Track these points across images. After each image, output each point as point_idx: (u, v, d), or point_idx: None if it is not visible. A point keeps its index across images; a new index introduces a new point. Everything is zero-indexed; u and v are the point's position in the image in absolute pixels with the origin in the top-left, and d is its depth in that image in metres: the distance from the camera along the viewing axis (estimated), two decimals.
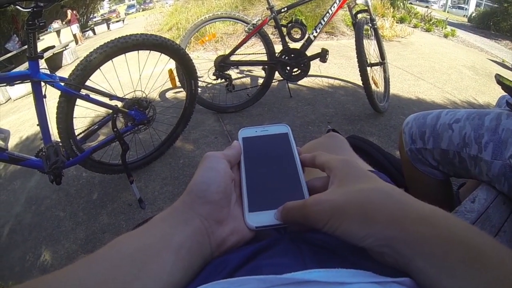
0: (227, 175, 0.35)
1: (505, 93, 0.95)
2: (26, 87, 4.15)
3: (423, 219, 0.26)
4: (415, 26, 6.68)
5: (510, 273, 0.22)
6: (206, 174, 0.34)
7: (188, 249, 0.30)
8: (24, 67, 4.23)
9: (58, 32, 8.84)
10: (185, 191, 0.34)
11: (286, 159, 0.41)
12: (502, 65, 5.13)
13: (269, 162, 0.40)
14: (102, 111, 1.75)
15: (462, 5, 22.76)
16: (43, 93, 1.42)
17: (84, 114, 2.02)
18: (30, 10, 1.25)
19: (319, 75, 3.35)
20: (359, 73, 2.24)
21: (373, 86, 2.36)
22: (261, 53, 2.43)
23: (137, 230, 0.32)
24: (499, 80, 0.84)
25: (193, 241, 0.31)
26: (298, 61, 2.34)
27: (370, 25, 2.40)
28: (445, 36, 6.46)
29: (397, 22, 6.12)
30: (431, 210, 0.27)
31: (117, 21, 14.80)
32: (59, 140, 1.53)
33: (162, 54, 1.72)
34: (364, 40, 2.25)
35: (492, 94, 3.25)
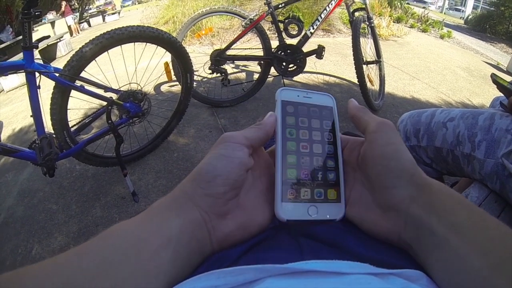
0: (242, 166, 0.31)
1: (499, 95, 0.96)
2: (19, 78, 4.11)
3: (436, 185, 0.29)
4: (411, 26, 6.70)
5: (504, 234, 0.25)
6: (215, 162, 0.30)
7: (186, 244, 0.28)
8: (17, 58, 4.18)
9: (52, 24, 8.73)
10: (189, 176, 0.31)
11: (329, 141, 0.36)
12: (497, 67, 5.17)
13: (310, 142, 0.35)
14: (97, 103, 1.73)
15: (459, 7, 22.84)
16: (37, 84, 1.40)
17: (79, 106, 2.00)
18: None
19: (315, 71, 3.35)
20: (355, 71, 2.25)
21: (368, 84, 2.37)
22: (257, 48, 2.42)
23: (132, 220, 0.29)
24: (495, 79, 0.85)
25: (192, 238, 0.28)
26: (294, 57, 2.34)
27: (367, 23, 2.40)
28: (441, 37, 6.49)
29: (394, 22, 6.13)
30: (438, 183, 0.30)
31: (113, 14, 14.64)
32: (52, 131, 1.51)
33: (158, 47, 1.71)
34: (360, 38, 2.25)
35: (486, 96, 3.28)
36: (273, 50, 2.36)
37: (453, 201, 0.28)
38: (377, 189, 0.31)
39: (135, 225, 0.28)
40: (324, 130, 0.36)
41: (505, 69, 5.16)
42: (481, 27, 10.89)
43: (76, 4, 12.17)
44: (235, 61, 2.82)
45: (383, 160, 0.30)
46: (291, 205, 0.32)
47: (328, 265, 0.26)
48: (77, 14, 11.96)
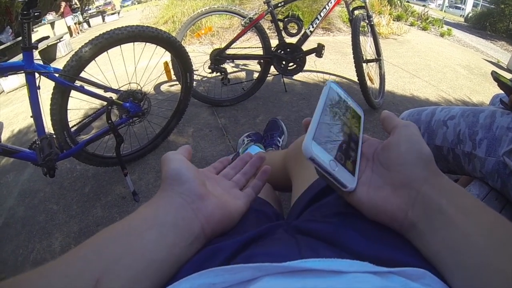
0: (184, 159, 0.40)
1: (499, 92, 0.96)
2: (19, 79, 4.11)
3: (446, 177, 0.32)
4: (411, 25, 6.68)
5: (504, 220, 0.27)
6: (173, 163, 0.38)
7: (172, 225, 0.32)
8: (17, 59, 4.17)
9: (52, 24, 8.72)
10: (161, 181, 0.38)
11: (355, 126, 0.42)
12: (497, 65, 5.16)
13: (341, 119, 0.40)
14: (97, 103, 1.73)
15: (459, 5, 22.77)
16: (37, 84, 1.40)
17: (79, 106, 2.00)
18: None
19: (315, 70, 3.34)
20: (355, 69, 2.24)
21: (368, 83, 2.36)
22: (257, 47, 2.42)
23: (123, 219, 0.34)
24: (496, 77, 0.84)
25: (178, 218, 0.32)
26: (294, 56, 2.34)
27: (367, 21, 2.40)
28: (441, 35, 6.47)
29: (393, 20, 6.12)
30: (447, 176, 0.33)
31: (112, 14, 14.62)
32: (53, 132, 1.51)
33: (158, 47, 1.71)
34: (360, 36, 2.25)
35: (487, 94, 3.26)
36: (272, 49, 2.36)
37: (460, 189, 0.31)
38: (394, 167, 0.33)
39: (125, 220, 0.33)
40: (352, 122, 0.42)
41: (506, 67, 5.15)
42: (481, 25, 10.87)
43: (77, 3, 12.14)
44: (234, 60, 2.82)
45: (407, 144, 0.33)
46: (319, 147, 0.34)
47: (326, 264, 0.26)
48: (78, 13, 11.93)
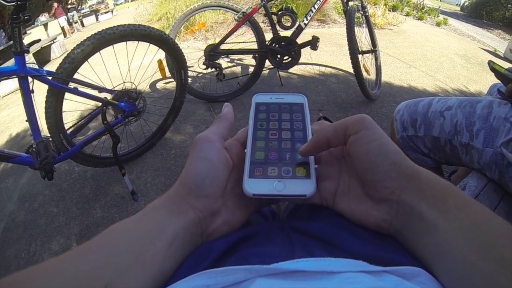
0: (222, 164, 0.34)
1: (497, 82, 0.95)
2: (15, 83, 4.08)
3: (424, 173, 0.30)
4: (407, 14, 6.64)
5: (489, 218, 0.26)
6: (200, 166, 0.33)
7: (181, 239, 0.30)
8: (11, 63, 4.13)
9: (45, 26, 8.64)
10: (179, 181, 0.34)
11: (298, 129, 0.39)
12: (494, 54, 5.14)
13: (279, 130, 0.38)
14: (92, 104, 1.72)
15: None
16: (31, 88, 1.39)
17: (74, 108, 1.99)
18: (14, 3, 1.22)
19: (310, 62, 3.33)
20: (351, 61, 2.24)
21: (364, 74, 2.36)
22: (252, 42, 2.41)
23: (131, 218, 0.31)
24: (492, 67, 0.83)
25: (187, 232, 0.31)
26: (289, 49, 2.33)
27: (362, 12, 2.39)
28: (438, 24, 6.44)
29: (389, 10, 6.09)
30: (426, 170, 0.30)
31: (106, 12, 14.47)
32: (49, 135, 1.51)
33: (151, 45, 1.70)
34: (355, 27, 2.24)
35: (484, 83, 3.26)
36: (267, 42, 2.35)
37: (440, 187, 0.28)
38: (367, 184, 0.31)
39: (134, 222, 0.31)
40: (294, 120, 0.40)
41: (503, 56, 5.13)
42: (478, 14, 10.80)
43: (74, 3, 12.02)
44: (229, 55, 2.81)
45: (369, 157, 0.30)
46: (257, 181, 0.33)
47: (318, 264, 0.25)
48: (74, 12, 11.81)
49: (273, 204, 0.58)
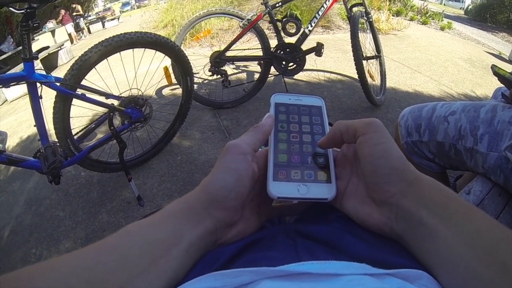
0: (249, 177, 0.33)
1: (501, 85, 0.95)
2: (22, 88, 4.12)
3: (426, 180, 0.30)
4: (411, 19, 6.65)
5: (490, 225, 0.26)
6: (229, 178, 0.32)
7: (197, 248, 0.30)
8: (19, 68, 4.20)
9: (53, 32, 8.76)
10: (202, 188, 0.33)
11: (317, 132, 0.39)
12: (499, 57, 5.12)
13: (299, 133, 0.39)
14: (99, 110, 1.74)
15: None
16: (39, 94, 1.41)
17: (81, 114, 2.02)
18: (23, 11, 1.24)
19: (315, 69, 3.34)
20: (355, 67, 2.24)
21: (369, 80, 2.36)
22: (257, 48, 2.42)
23: (148, 220, 0.31)
24: (496, 71, 0.83)
25: (203, 241, 0.31)
26: (294, 56, 2.34)
27: (366, 18, 2.40)
28: (442, 28, 6.44)
29: (393, 15, 6.10)
30: (428, 178, 0.31)
31: (112, 19, 14.66)
32: (56, 140, 1.53)
33: (157, 52, 1.72)
34: (359, 33, 2.25)
35: (489, 86, 3.25)
36: (272, 49, 2.36)
37: (442, 194, 0.29)
38: (369, 185, 0.32)
39: (151, 225, 0.31)
40: (313, 124, 0.40)
41: (508, 59, 5.11)
42: (482, 17, 10.78)
43: (80, 10, 12.17)
44: (234, 62, 2.83)
45: (373, 160, 0.31)
46: (282, 184, 0.34)
47: (323, 266, 0.26)
48: (81, 19, 11.96)
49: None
